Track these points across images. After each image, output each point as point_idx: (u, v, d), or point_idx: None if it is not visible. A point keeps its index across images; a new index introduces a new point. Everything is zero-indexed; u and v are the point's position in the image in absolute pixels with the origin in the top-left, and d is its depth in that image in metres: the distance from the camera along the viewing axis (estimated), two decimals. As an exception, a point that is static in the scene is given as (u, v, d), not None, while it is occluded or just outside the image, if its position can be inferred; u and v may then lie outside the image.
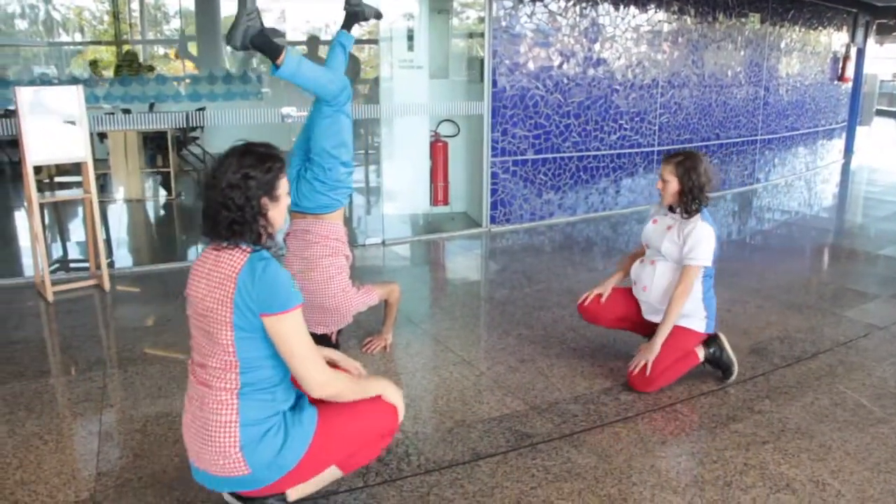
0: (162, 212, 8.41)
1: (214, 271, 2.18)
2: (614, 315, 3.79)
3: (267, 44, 3.34)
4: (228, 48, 12.14)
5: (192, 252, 6.00)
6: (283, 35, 10.61)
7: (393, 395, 2.42)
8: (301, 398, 2.33)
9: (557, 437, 3.07)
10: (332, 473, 2.45)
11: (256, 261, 2.15)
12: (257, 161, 2.19)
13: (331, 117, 3.57)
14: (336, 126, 3.60)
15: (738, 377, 3.66)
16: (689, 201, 3.45)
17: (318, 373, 2.19)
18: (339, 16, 4.08)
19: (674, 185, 3.45)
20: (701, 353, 3.60)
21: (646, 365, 3.43)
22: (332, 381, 2.24)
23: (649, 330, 3.67)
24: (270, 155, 2.24)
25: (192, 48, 11.34)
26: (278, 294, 2.13)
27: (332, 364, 2.49)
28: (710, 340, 3.64)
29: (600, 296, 3.77)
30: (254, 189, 2.17)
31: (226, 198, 2.15)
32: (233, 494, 2.36)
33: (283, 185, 2.26)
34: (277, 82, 10.48)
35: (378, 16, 4.24)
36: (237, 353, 2.15)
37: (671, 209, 3.56)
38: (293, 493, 2.39)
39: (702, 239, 3.42)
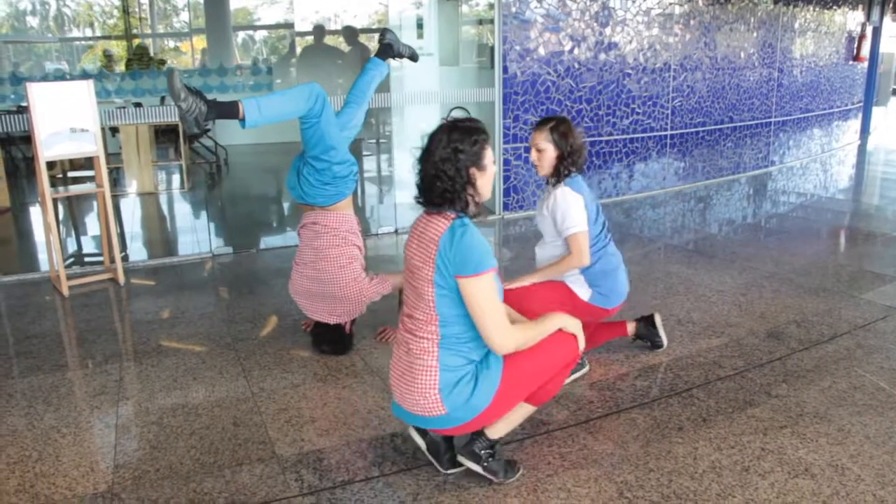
0: (175, 204, 8.44)
1: (424, 234, 2.44)
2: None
3: (222, 112, 3.23)
4: (238, 40, 12.15)
5: (204, 244, 6.01)
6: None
7: (572, 325, 2.58)
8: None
9: (573, 424, 3.05)
10: (524, 410, 2.67)
11: (458, 227, 2.38)
12: (464, 135, 2.42)
13: (312, 128, 3.50)
14: (317, 135, 3.53)
15: (756, 361, 3.63)
16: (568, 167, 3.31)
17: (500, 335, 2.37)
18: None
19: (551, 151, 3.31)
20: (631, 327, 3.75)
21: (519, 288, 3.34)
22: (514, 340, 2.41)
23: (608, 331, 3.75)
24: (476, 128, 2.45)
25: (202, 41, 11.34)
26: (472, 258, 2.33)
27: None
28: (644, 319, 3.77)
29: None
30: (463, 161, 2.40)
31: (438, 170, 2.39)
32: (430, 443, 2.69)
33: (489, 156, 2.47)
34: (286, 73, 10.48)
35: (413, 58, 4.39)
36: (437, 308, 2.40)
37: (547, 181, 3.44)
38: (491, 432, 2.62)
39: (567, 205, 3.27)
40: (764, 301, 4.55)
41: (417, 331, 2.46)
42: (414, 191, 2.55)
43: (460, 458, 2.64)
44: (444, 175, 2.39)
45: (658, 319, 3.79)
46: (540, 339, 2.50)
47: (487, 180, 2.48)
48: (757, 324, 4.16)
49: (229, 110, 3.21)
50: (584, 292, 3.42)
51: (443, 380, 2.42)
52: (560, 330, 2.55)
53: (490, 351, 2.48)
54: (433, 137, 2.45)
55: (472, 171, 2.42)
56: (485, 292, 2.34)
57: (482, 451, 2.61)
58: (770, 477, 2.65)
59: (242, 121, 3.23)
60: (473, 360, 2.47)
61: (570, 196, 3.28)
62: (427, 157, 2.44)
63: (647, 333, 3.78)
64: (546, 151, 3.32)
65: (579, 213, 3.27)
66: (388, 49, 4.19)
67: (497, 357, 2.48)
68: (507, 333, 2.38)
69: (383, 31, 4.26)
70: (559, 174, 3.34)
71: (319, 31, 9.05)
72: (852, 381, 3.41)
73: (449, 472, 2.69)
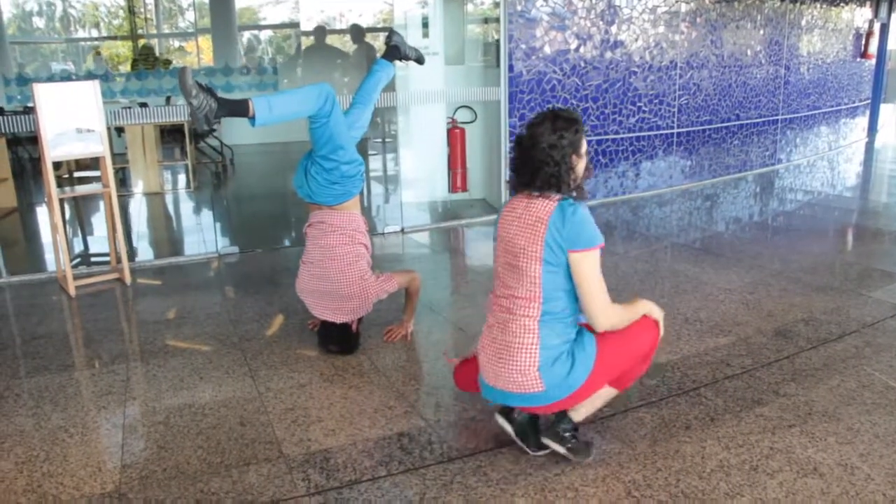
0: (181, 204, 8.45)
1: (526, 215, 2.56)
2: None
3: (232, 109, 3.21)
4: (243, 40, 12.17)
5: (210, 244, 6.01)
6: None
7: (656, 311, 2.71)
8: (581, 329, 2.66)
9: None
10: (607, 393, 2.76)
11: (567, 206, 2.53)
12: (567, 124, 2.56)
13: (321, 128, 3.48)
14: (326, 135, 3.51)
15: (764, 360, 3.62)
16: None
17: (603, 310, 2.55)
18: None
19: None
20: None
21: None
22: (613, 317, 2.59)
23: None
24: (575, 119, 2.61)
25: (207, 40, 11.36)
26: (585, 233, 2.50)
27: None
28: None
29: None
30: (566, 148, 2.54)
31: (547, 156, 2.53)
32: (518, 426, 2.78)
33: (584, 144, 2.63)
34: (293, 72, 10.49)
35: (420, 60, 4.37)
36: (542, 284, 2.53)
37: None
38: (575, 415, 2.73)
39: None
40: (772, 299, 4.53)
41: (517, 309, 2.58)
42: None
43: (545, 441, 2.73)
44: (552, 160, 2.53)
45: None
46: (630, 322, 2.65)
47: (583, 165, 2.63)
48: (765, 322, 4.14)
49: (239, 108, 3.20)
50: None
51: (542, 357, 2.54)
52: (645, 316, 2.69)
53: (582, 332, 2.63)
54: (537, 126, 2.57)
55: (574, 157, 2.56)
56: (594, 266, 2.52)
57: (566, 433, 2.71)
58: (779, 476, 2.63)
59: (252, 119, 3.21)
60: (569, 340, 2.59)
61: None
62: (533, 144, 2.56)
63: None
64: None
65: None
66: (395, 51, 4.20)
67: (591, 338, 2.61)
68: (609, 309, 2.57)
69: (390, 33, 4.27)
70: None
71: (320, 31, 9.06)
72: (861, 380, 3.39)
73: (536, 453, 2.78)
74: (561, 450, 2.71)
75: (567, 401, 2.62)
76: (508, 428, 2.81)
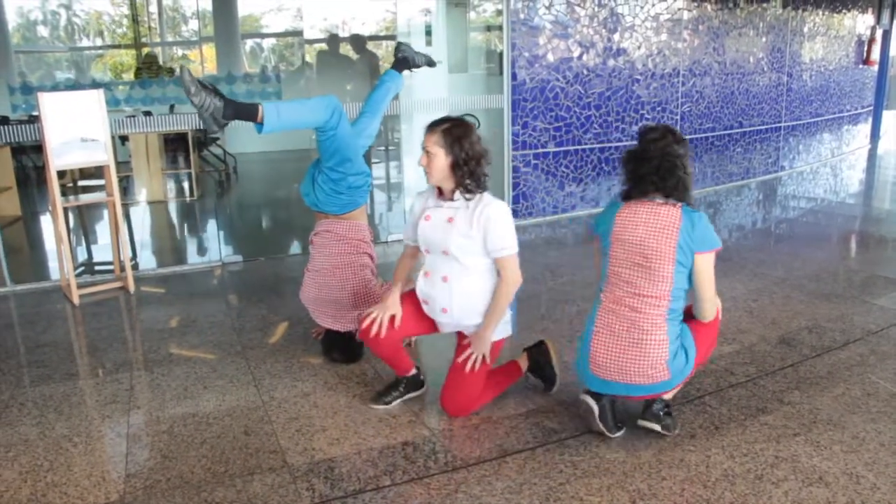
0: (184, 213, 8.46)
1: (654, 220, 2.78)
2: (404, 334, 3.22)
3: (241, 111, 3.18)
4: (246, 48, 12.20)
5: (214, 252, 6.01)
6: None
7: (718, 300, 2.96)
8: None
9: (585, 432, 3.04)
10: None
11: (691, 212, 2.79)
12: (681, 138, 2.85)
13: (328, 140, 3.48)
14: (333, 146, 3.52)
15: (768, 368, 3.61)
16: (465, 177, 2.91)
17: (713, 304, 2.90)
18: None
19: (441, 158, 2.92)
20: (524, 363, 3.38)
21: (482, 358, 3.06)
22: (716, 305, 2.94)
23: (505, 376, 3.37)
24: (678, 131, 2.88)
25: (211, 49, 11.40)
26: (709, 236, 2.78)
27: None
28: (533, 348, 3.41)
29: (393, 319, 3.09)
30: (687, 158, 2.83)
31: (678, 165, 2.78)
32: (602, 409, 2.93)
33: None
34: (297, 81, 10.51)
35: (430, 63, 4.39)
36: (673, 283, 2.76)
37: (440, 192, 3.05)
38: (668, 395, 2.99)
39: (504, 220, 2.93)
40: (775, 307, 4.52)
41: (645, 307, 2.79)
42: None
43: (644, 423, 2.94)
44: (683, 169, 2.80)
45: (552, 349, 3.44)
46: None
47: (690, 175, 2.88)
48: (768, 330, 4.13)
49: (248, 111, 3.19)
50: (502, 328, 3.15)
51: (670, 350, 2.79)
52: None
53: (682, 323, 2.89)
54: (660, 140, 2.80)
55: (690, 168, 2.86)
56: (712, 265, 2.81)
57: (662, 412, 2.95)
58: (784, 485, 2.62)
59: (259, 125, 3.21)
60: (680, 333, 2.85)
61: (505, 208, 2.98)
62: (663, 155, 2.78)
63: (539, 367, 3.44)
64: (436, 156, 2.93)
65: (513, 229, 2.99)
66: (405, 62, 4.21)
67: (686, 329, 2.89)
68: (716, 301, 2.91)
69: (398, 46, 4.30)
70: (463, 186, 2.95)
71: (333, 40, 9.09)
72: (866, 388, 3.39)
73: (615, 434, 2.96)
74: (657, 427, 2.92)
75: (678, 385, 2.92)
76: (595, 408, 2.92)
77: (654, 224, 2.77)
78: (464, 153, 2.90)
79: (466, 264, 2.99)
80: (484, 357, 3.06)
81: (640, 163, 2.81)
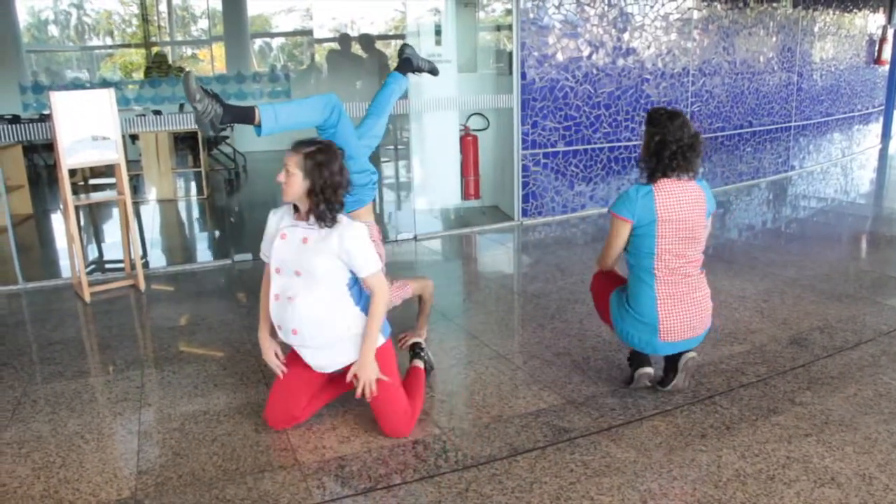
0: (194, 211, 8.49)
1: (687, 196, 3.17)
2: (307, 400, 3.17)
3: (238, 114, 3.18)
4: (255, 47, 12.23)
5: (224, 251, 6.03)
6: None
7: None
8: None
9: (595, 432, 3.03)
10: None
11: (703, 183, 3.28)
12: (689, 121, 3.21)
13: (329, 138, 3.45)
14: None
15: (779, 368, 3.60)
16: (320, 204, 2.85)
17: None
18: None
19: (299, 180, 2.83)
20: (420, 362, 3.50)
21: (376, 384, 2.97)
22: None
23: (342, 385, 3.20)
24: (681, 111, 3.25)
25: (220, 48, 11.43)
26: (714, 200, 3.34)
27: None
28: (411, 351, 3.61)
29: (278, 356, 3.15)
30: (699, 136, 3.19)
31: (700, 143, 3.17)
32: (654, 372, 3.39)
33: None
34: (306, 80, 10.53)
35: (433, 72, 4.38)
36: (703, 244, 3.28)
37: (296, 209, 2.98)
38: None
39: (365, 241, 2.91)
40: (786, 307, 4.51)
41: (693, 271, 3.24)
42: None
43: (678, 380, 3.35)
44: (702, 147, 3.19)
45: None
46: None
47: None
48: (779, 330, 4.12)
49: (245, 114, 3.20)
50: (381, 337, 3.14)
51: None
52: None
53: None
54: (684, 121, 3.16)
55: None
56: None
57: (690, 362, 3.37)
58: (795, 486, 2.62)
59: (258, 127, 3.21)
60: None
61: (363, 230, 2.95)
62: (693, 134, 3.15)
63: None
64: (294, 176, 2.83)
65: (372, 247, 2.96)
66: (408, 63, 4.21)
67: None
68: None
69: (403, 46, 4.30)
70: (317, 213, 2.88)
71: (345, 39, 9.11)
72: (878, 389, 3.37)
73: (666, 388, 3.36)
74: (690, 378, 3.39)
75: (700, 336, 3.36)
76: (651, 373, 3.37)
77: (689, 200, 3.16)
78: (322, 180, 2.83)
79: (316, 283, 2.89)
80: (378, 378, 2.97)
81: (666, 145, 3.12)
